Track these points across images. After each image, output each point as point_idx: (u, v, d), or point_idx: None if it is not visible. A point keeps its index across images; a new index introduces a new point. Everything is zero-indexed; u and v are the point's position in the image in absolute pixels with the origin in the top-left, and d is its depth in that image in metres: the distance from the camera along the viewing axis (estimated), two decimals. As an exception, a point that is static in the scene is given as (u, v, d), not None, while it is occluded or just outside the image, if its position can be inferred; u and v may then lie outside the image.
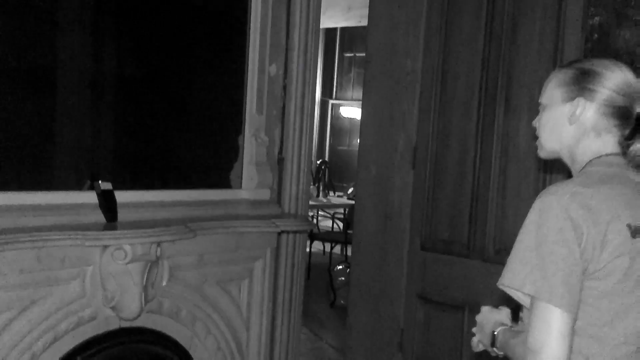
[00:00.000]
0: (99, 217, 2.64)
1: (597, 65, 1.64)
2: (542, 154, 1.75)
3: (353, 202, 8.38)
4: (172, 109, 3.07)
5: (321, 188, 8.90)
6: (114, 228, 2.58)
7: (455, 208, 3.61)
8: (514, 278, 1.49)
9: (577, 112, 1.62)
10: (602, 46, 3.12)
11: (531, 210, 1.51)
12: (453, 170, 3.63)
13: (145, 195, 2.90)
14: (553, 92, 1.67)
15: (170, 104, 3.07)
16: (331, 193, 9.62)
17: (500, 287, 1.54)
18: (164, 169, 3.09)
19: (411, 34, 3.82)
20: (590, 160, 1.62)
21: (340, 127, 12.25)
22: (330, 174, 9.86)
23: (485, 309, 1.81)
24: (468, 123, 3.55)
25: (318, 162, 9.89)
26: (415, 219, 3.80)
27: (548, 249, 1.44)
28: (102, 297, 2.58)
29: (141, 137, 2.99)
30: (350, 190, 9.41)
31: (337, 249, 8.17)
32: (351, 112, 11.95)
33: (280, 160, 3.54)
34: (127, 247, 2.51)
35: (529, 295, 1.47)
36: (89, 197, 2.66)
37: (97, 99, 2.86)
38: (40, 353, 2.45)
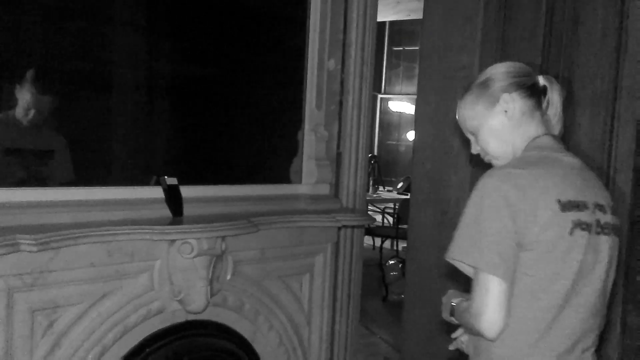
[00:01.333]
0: (165, 212, 2.69)
1: (487, 71, 1.87)
2: (504, 163, 1.85)
3: (403, 196, 8.38)
4: (235, 105, 3.11)
5: (371, 183, 8.88)
6: (180, 223, 2.63)
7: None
8: (458, 251, 1.66)
9: (510, 105, 1.80)
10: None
11: (472, 191, 1.67)
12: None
13: (209, 190, 2.94)
14: (474, 112, 1.84)
15: (232, 101, 3.11)
16: (381, 188, 9.61)
17: (448, 260, 1.70)
18: (226, 164, 3.13)
19: (467, 28, 3.79)
20: (527, 145, 1.79)
21: (389, 122, 12.21)
22: (380, 168, 9.83)
23: (450, 291, 1.96)
24: (528, 118, 3.51)
25: (368, 156, 9.86)
26: (472, 215, 3.77)
27: (485, 225, 1.61)
28: (169, 290, 2.63)
29: (205, 133, 3.04)
30: (399, 185, 9.38)
31: (387, 243, 8.15)
32: (400, 106, 11.90)
33: (338, 155, 3.55)
34: (193, 242, 2.55)
35: (471, 266, 1.63)
36: (156, 193, 2.71)
37: (163, 97, 2.91)
38: (110, 346, 2.51)
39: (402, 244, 7.16)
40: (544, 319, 1.66)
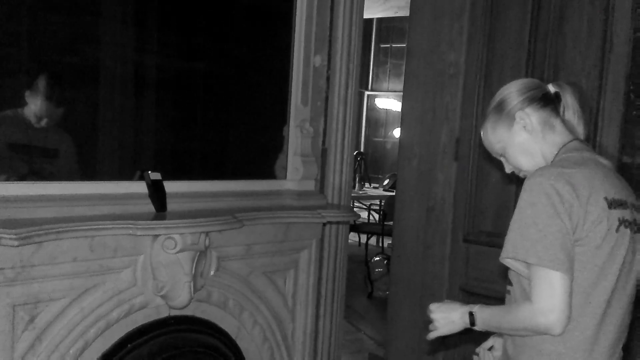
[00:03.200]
0: (149, 207, 2.67)
1: (499, 94, 1.94)
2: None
3: (389, 193, 8.40)
4: (220, 100, 3.10)
5: (357, 179, 8.89)
6: (164, 218, 2.61)
7: (499, 200, 3.59)
8: (518, 251, 1.69)
9: (526, 121, 1.87)
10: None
11: (523, 191, 1.71)
12: (497, 162, 3.60)
13: (193, 186, 2.93)
14: (497, 136, 1.93)
15: (217, 96, 3.09)
16: (367, 184, 9.62)
17: (504, 260, 1.75)
18: (211, 159, 3.12)
19: (455, 26, 3.80)
20: (558, 152, 1.85)
21: (376, 118, 12.23)
22: (366, 165, 9.85)
23: (434, 305, 1.99)
24: (513, 115, 3.52)
25: (354, 153, 9.88)
26: (458, 212, 3.79)
27: (544, 223, 1.65)
28: (152, 285, 2.61)
29: (190, 128, 3.02)
30: (386, 182, 9.40)
31: (373, 240, 8.16)
32: (387, 103, 11.93)
33: (324, 152, 3.55)
34: (177, 237, 2.54)
35: (532, 264, 1.66)
36: (139, 187, 2.70)
37: (148, 92, 2.89)
38: (92, 340, 2.49)
39: (387, 241, 7.17)
40: (596, 314, 1.72)
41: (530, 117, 1.87)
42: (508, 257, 1.72)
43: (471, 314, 1.86)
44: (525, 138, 1.88)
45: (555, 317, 1.63)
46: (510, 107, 1.89)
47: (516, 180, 3.42)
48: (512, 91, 1.91)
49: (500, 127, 1.91)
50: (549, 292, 1.63)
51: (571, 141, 1.86)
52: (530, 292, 1.69)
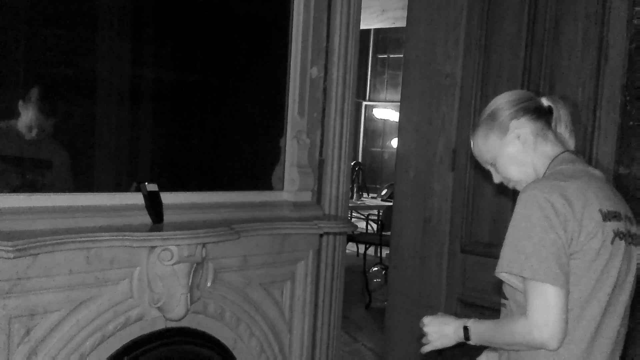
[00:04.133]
0: (146, 219, 2.67)
1: (491, 104, 1.94)
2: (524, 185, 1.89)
3: (387, 203, 8.40)
4: (217, 112, 3.10)
5: (355, 190, 8.90)
6: (160, 229, 2.61)
7: (496, 210, 3.60)
8: (512, 265, 1.67)
9: (519, 131, 1.86)
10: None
11: (517, 204, 1.71)
12: (488, 172, 3.61)
13: (190, 197, 2.93)
14: (488, 145, 1.91)
15: (214, 108, 3.10)
16: (365, 194, 9.62)
17: (499, 274, 1.74)
18: (207, 171, 3.12)
19: (450, 37, 3.81)
20: (550, 163, 1.84)
21: (373, 129, 12.25)
22: (364, 175, 9.85)
23: (427, 318, 1.99)
24: (510, 126, 3.53)
25: (352, 163, 9.88)
26: (455, 222, 3.79)
27: (539, 236, 1.64)
28: (149, 297, 2.61)
29: (186, 140, 3.03)
30: (384, 192, 9.40)
31: (371, 250, 8.16)
32: (384, 113, 11.94)
33: (321, 162, 3.55)
34: (174, 248, 2.54)
35: (527, 278, 1.65)
36: (135, 199, 2.70)
37: (145, 104, 2.89)
38: (88, 353, 2.48)
39: (385, 251, 7.16)
40: (590, 327, 1.71)
41: (524, 128, 1.86)
42: (503, 271, 1.71)
43: (465, 329, 1.85)
44: (517, 148, 1.88)
45: (550, 332, 1.62)
46: (504, 117, 1.88)
47: (512, 192, 3.44)
48: (505, 101, 1.91)
49: (492, 136, 1.90)
50: (544, 307, 1.62)
51: (563, 152, 1.87)
52: (525, 307, 1.68)
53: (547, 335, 1.62)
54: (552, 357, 1.70)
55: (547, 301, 1.62)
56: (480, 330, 1.84)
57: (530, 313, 1.65)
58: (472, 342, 1.86)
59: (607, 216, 1.73)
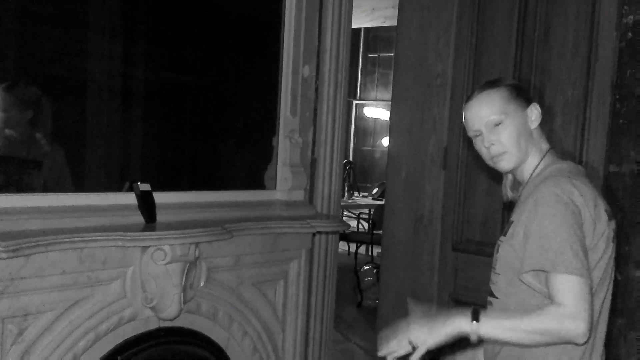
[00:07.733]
0: (138, 219, 2.67)
1: (510, 80, 2.00)
2: (510, 165, 1.90)
3: (378, 202, 8.40)
4: (209, 111, 3.11)
5: (346, 188, 8.90)
6: (153, 229, 2.61)
7: (488, 209, 3.61)
8: (543, 262, 1.68)
9: (536, 111, 1.90)
10: (636, 45, 3.11)
11: (536, 204, 1.72)
12: (486, 170, 3.63)
13: (182, 197, 2.93)
14: (506, 106, 1.86)
15: (206, 107, 3.10)
16: (356, 193, 9.62)
17: (527, 271, 1.73)
18: (200, 170, 3.12)
19: (442, 37, 3.82)
20: (544, 158, 1.89)
21: (364, 128, 12.25)
22: (355, 174, 9.85)
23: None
24: (500, 125, 3.54)
25: (343, 162, 9.88)
26: (446, 221, 3.80)
27: (568, 233, 1.66)
28: (142, 297, 2.61)
29: (179, 139, 3.03)
30: (375, 191, 9.40)
31: (362, 249, 8.16)
32: (375, 112, 11.94)
33: (313, 162, 3.56)
34: (167, 248, 2.54)
35: (560, 273, 1.65)
36: (128, 199, 2.70)
37: (136, 103, 2.89)
38: (81, 353, 2.48)
39: (377, 250, 7.17)
40: (594, 324, 1.74)
41: (538, 113, 1.90)
42: (534, 269, 1.71)
43: (475, 311, 1.72)
44: (526, 127, 1.88)
45: (585, 322, 1.61)
46: (528, 96, 1.93)
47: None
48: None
49: (513, 103, 1.87)
50: (575, 298, 1.63)
51: (550, 150, 1.92)
52: (530, 303, 1.72)
53: (582, 326, 1.61)
54: (560, 354, 1.73)
55: (577, 293, 1.63)
56: (493, 315, 1.77)
57: (565, 302, 1.63)
58: (476, 329, 1.69)
59: (610, 215, 1.78)
